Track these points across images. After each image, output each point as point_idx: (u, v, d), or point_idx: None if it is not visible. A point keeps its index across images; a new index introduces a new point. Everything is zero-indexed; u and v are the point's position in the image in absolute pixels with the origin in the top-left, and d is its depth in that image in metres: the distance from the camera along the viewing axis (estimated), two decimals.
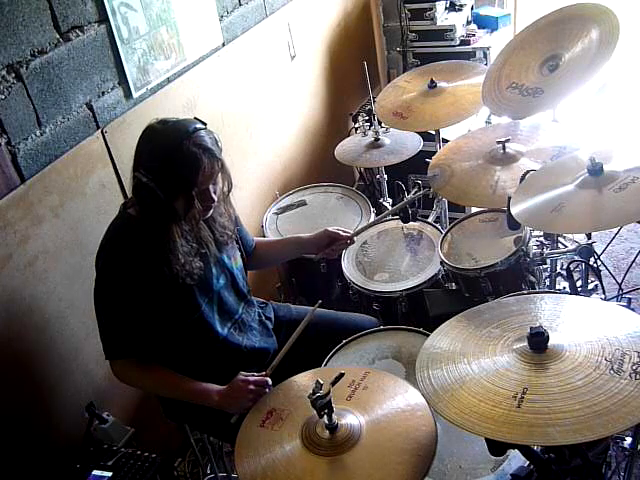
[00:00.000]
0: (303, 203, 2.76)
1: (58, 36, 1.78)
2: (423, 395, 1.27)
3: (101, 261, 1.61)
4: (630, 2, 3.68)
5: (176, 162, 1.49)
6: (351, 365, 1.77)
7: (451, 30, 3.35)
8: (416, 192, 2.13)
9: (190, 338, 1.70)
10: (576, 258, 1.85)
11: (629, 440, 1.76)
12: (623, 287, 2.24)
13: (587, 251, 1.81)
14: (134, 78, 2.05)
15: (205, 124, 1.59)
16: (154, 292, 1.60)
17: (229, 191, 1.70)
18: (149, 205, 1.54)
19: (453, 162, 2.21)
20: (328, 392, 1.27)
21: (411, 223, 2.33)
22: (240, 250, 1.89)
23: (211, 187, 1.59)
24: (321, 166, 3.33)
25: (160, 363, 1.67)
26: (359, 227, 2.18)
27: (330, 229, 1.99)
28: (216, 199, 1.63)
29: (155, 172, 1.50)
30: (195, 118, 1.59)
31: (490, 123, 3.35)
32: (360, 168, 3.49)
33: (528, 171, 1.84)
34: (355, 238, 2.04)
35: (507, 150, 2.10)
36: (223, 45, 2.52)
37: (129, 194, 1.97)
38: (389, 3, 3.52)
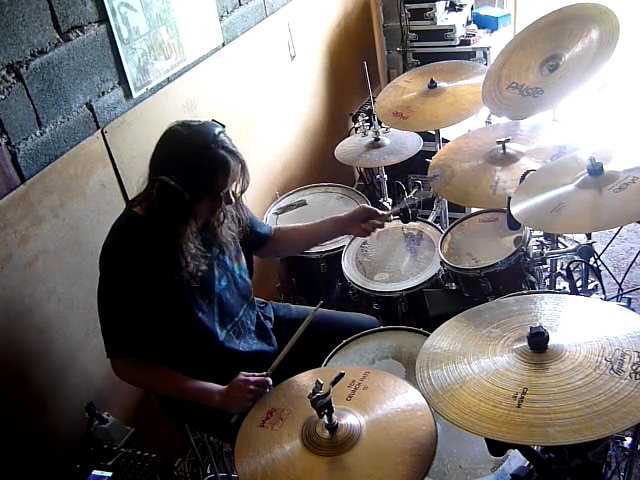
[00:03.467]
0: (303, 203, 2.76)
1: (58, 36, 1.78)
2: (423, 395, 1.27)
3: (105, 261, 1.61)
4: (630, 2, 3.68)
5: (206, 165, 1.51)
6: (351, 365, 1.77)
7: (451, 30, 3.35)
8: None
9: (190, 339, 1.70)
10: (576, 258, 1.85)
11: (629, 440, 1.76)
12: (623, 287, 2.24)
13: (587, 251, 1.81)
14: (134, 78, 2.05)
15: (224, 126, 1.60)
16: (158, 292, 1.59)
17: (242, 192, 1.70)
18: (172, 207, 1.52)
19: (453, 162, 2.20)
20: (328, 392, 1.27)
21: (411, 223, 2.33)
22: (243, 251, 1.88)
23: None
24: (321, 166, 3.33)
25: (161, 363, 1.67)
26: (395, 208, 2.05)
27: (367, 205, 1.99)
28: (234, 200, 1.64)
29: (184, 175, 1.50)
30: (213, 120, 1.60)
31: (490, 123, 3.35)
32: (360, 168, 3.49)
33: (528, 171, 1.84)
34: (391, 217, 2.01)
35: (507, 150, 2.10)
36: (223, 45, 2.52)
37: (129, 194, 1.99)
38: (389, 3, 3.52)
